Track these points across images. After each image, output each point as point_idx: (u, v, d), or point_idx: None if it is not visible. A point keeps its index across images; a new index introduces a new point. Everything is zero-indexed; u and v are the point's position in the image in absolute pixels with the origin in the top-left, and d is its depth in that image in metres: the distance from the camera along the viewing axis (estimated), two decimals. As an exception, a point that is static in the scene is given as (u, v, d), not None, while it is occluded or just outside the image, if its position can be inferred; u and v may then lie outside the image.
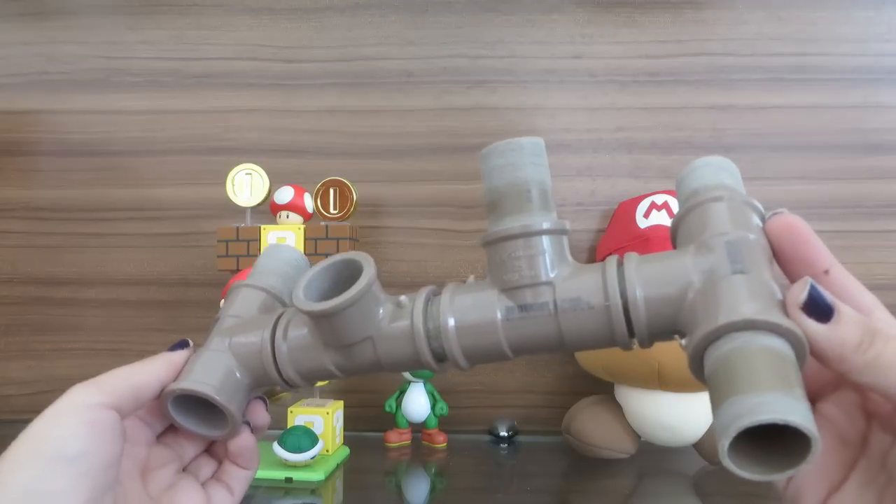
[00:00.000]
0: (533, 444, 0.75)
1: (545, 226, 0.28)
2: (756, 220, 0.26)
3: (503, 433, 0.76)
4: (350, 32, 0.84)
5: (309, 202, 0.71)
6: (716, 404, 0.21)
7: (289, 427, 0.64)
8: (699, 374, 0.23)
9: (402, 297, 0.31)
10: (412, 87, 0.83)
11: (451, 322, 0.29)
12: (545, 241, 0.28)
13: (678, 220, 0.28)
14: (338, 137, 0.84)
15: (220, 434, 0.32)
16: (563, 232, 0.28)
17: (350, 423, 0.72)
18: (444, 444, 0.72)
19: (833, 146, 0.81)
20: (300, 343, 0.31)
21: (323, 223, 0.70)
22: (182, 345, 0.33)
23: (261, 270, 0.37)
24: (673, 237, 0.29)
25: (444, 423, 0.74)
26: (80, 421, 0.26)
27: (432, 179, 0.83)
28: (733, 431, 0.20)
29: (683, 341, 0.24)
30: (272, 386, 0.33)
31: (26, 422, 0.27)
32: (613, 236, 0.75)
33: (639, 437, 0.68)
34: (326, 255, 0.70)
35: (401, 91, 0.83)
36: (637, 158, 0.82)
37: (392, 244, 0.83)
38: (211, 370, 0.31)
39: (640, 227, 0.71)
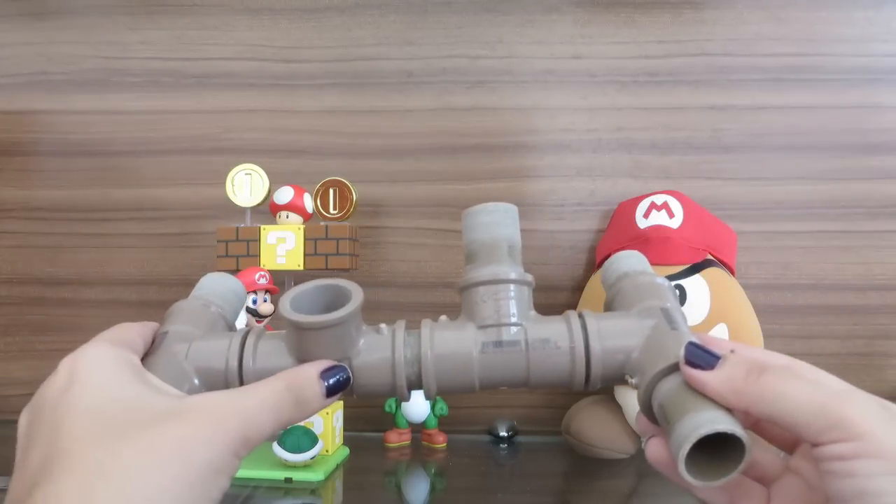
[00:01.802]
0: (533, 444, 0.75)
1: (517, 276, 0.33)
2: (673, 293, 0.33)
3: (503, 433, 0.76)
4: (350, 32, 0.84)
5: (309, 202, 0.71)
6: (672, 422, 0.26)
7: (288, 427, 0.64)
8: (647, 405, 0.29)
9: (382, 325, 0.33)
10: (412, 87, 0.83)
11: (430, 353, 0.31)
12: (523, 289, 0.33)
13: (613, 293, 0.35)
14: (338, 137, 0.84)
15: None
16: (531, 284, 0.34)
17: (350, 423, 0.72)
18: (444, 444, 0.72)
19: (833, 146, 0.81)
20: (270, 360, 0.32)
21: (323, 223, 0.70)
22: (340, 389, 0.30)
23: (206, 292, 0.38)
24: (609, 303, 0.35)
25: (444, 424, 0.74)
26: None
27: (432, 179, 0.83)
28: (694, 438, 0.24)
29: (634, 380, 0.30)
30: None
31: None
32: (613, 236, 0.75)
33: (638, 437, 0.68)
34: (326, 256, 0.70)
35: (401, 91, 0.83)
36: (637, 158, 0.82)
37: (392, 244, 0.83)
38: (171, 375, 0.30)
39: (639, 228, 0.71)
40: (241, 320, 0.63)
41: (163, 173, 0.85)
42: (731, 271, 0.72)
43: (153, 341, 0.33)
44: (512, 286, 0.33)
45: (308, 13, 0.84)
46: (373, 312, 0.82)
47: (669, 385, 0.28)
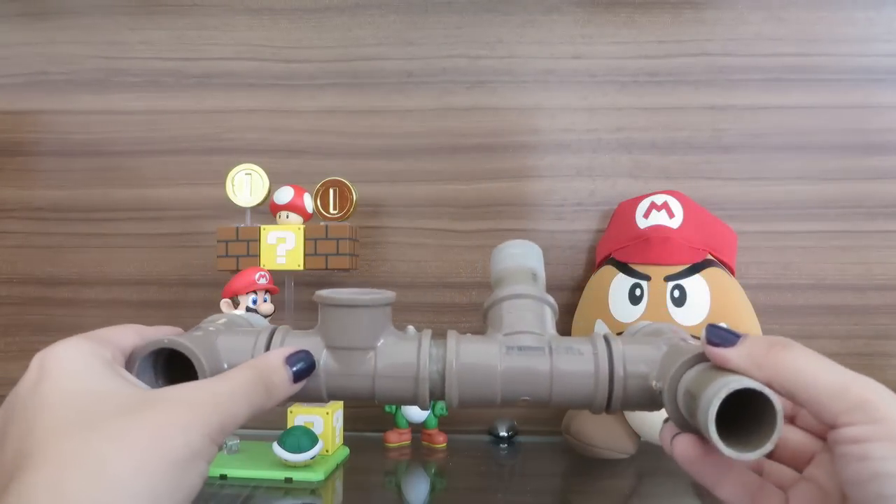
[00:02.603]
0: (533, 444, 0.75)
1: (540, 295, 0.35)
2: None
3: (503, 433, 0.76)
4: (350, 32, 0.84)
5: (309, 202, 0.71)
6: (698, 395, 0.26)
7: (288, 427, 0.64)
8: (673, 404, 0.29)
9: (410, 327, 0.36)
10: (412, 87, 0.83)
11: (455, 363, 0.32)
12: (545, 308, 0.35)
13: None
14: (338, 137, 0.84)
15: None
16: (553, 307, 0.36)
17: (350, 423, 0.72)
18: (444, 444, 0.72)
19: (833, 146, 0.81)
20: (300, 343, 0.33)
21: (323, 223, 0.70)
22: (307, 373, 0.32)
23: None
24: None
25: (444, 424, 0.74)
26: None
27: (432, 179, 0.83)
28: (724, 393, 0.25)
29: (658, 383, 0.31)
30: None
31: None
32: (613, 236, 0.75)
33: (639, 437, 0.68)
34: (326, 256, 0.70)
35: (401, 91, 0.83)
36: (637, 158, 0.82)
37: (392, 244, 0.83)
38: (199, 345, 0.31)
39: (639, 228, 0.71)
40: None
41: (163, 173, 0.85)
42: (732, 271, 0.72)
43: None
44: (534, 302, 0.35)
45: (308, 13, 0.84)
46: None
47: (693, 373, 0.28)
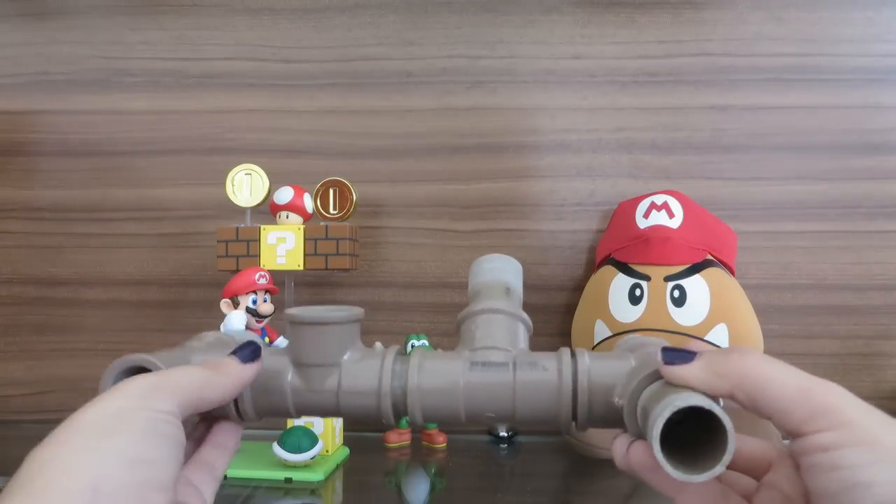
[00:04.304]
0: (533, 444, 0.75)
1: (511, 310, 0.35)
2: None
3: (503, 433, 0.76)
4: (350, 32, 0.84)
5: (309, 202, 0.71)
6: (649, 410, 0.26)
7: (288, 427, 0.64)
8: (633, 420, 0.28)
9: (378, 343, 0.35)
10: (412, 88, 0.83)
11: (417, 380, 0.32)
12: (517, 324, 0.34)
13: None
14: (337, 137, 0.84)
15: None
16: (527, 324, 0.35)
17: (350, 423, 0.72)
18: (444, 444, 0.73)
19: (833, 146, 0.81)
20: (269, 361, 0.33)
21: (323, 223, 0.70)
22: (253, 355, 0.31)
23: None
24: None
25: (444, 424, 0.74)
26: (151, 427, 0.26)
27: (432, 179, 0.83)
28: (669, 412, 0.24)
29: (620, 400, 0.30)
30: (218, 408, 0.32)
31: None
32: (613, 236, 0.75)
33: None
34: (326, 256, 0.70)
35: (400, 91, 0.83)
36: (636, 159, 0.82)
37: (392, 244, 0.83)
38: (172, 364, 0.31)
39: (639, 228, 0.71)
40: (242, 320, 0.63)
41: (163, 173, 0.85)
42: (732, 271, 0.72)
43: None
44: (506, 318, 0.34)
45: (308, 13, 0.84)
46: (373, 312, 0.83)
47: (651, 389, 0.28)
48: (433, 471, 0.67)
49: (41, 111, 0.86)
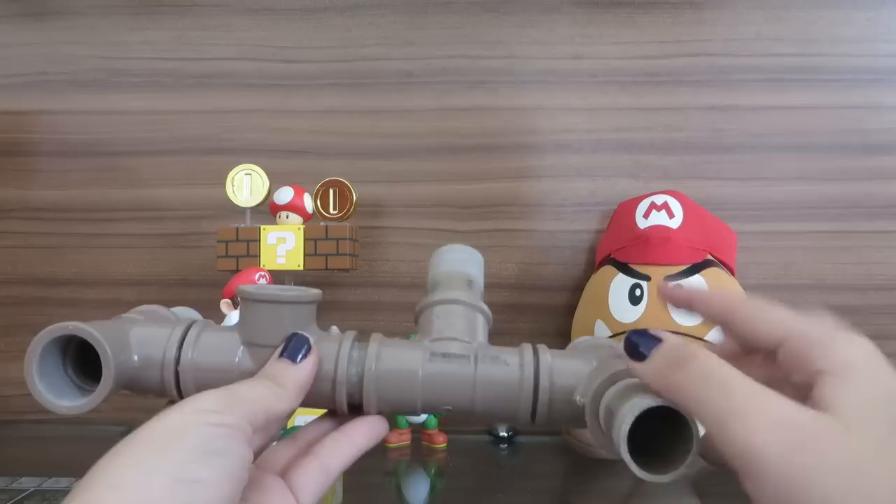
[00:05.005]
0: (533, 444, 0.75)
1: (472, 301, 0.34)
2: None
3: (503, 433, 0.76)
4: (350, 32, 0.84)
5: (309, 202, 0.71)
6: (615, 411, 0.25)
7: (288, 427, 0.64)
8: (595, 422, 0.28)
9: (333, 327, 0.34)
10: (412, 88, 0.83)
11: (374, 367, 0.31)
12: (478, 316, 0.34)
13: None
14: (338, 137, 0.84)
15: (72, 406, 0.31)
16: (487, 316, 0.34)
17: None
18: (444, 444, 0.72)
19: (833, 146, 0.81)
20: (215, 338, 0.32)
21: (323, 223, 0.70)
22: (302, 349, 0.30)
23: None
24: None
25: (444, 424, 0.74)
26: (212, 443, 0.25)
27: (432, 179, 0.83)
28: (630, 418, 0.24)
29: (581, 398, 0.29)
30: (155, 386, 0.32)
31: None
32: (613, 237, 0.75)
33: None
34: (326, 256, 0.70)
35: (401, 91, 0.83)
36: (636, 159, 0.82)
37: (392, 244, 0.83)
38: (107, 333, 0.31)
39: (639, 228, 0.71)
40: (235, 315, 0.63)
41: (163, 173, 0.85)
42: (732, 271, 0.72)
43: None
44: (466, 308, 0.33)
45: (308, 13, 0.84)
46: (373, 312, 0.83)
47: (615, 389, 0.27)
48: (433, 471, 0.67)
49: (41, 111, 0.86)
